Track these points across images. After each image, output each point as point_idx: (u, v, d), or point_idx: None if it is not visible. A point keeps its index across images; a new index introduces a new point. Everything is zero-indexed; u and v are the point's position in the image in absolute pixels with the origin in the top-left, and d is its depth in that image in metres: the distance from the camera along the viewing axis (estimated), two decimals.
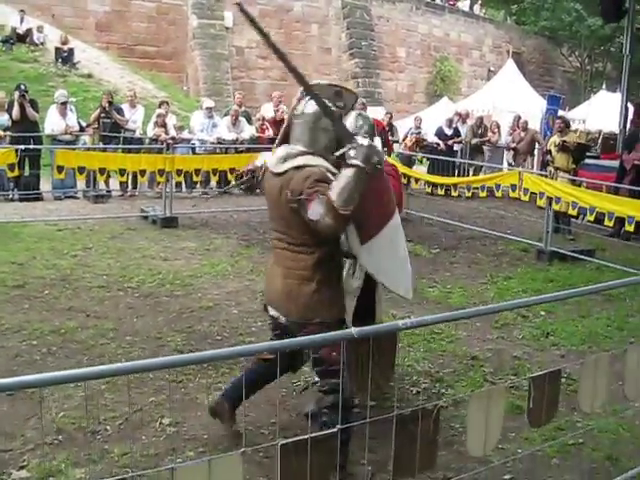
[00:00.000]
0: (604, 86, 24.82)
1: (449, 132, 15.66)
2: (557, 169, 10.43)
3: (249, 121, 13.73)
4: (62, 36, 19.21)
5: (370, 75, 27.53)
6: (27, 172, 11.31)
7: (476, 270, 8.25)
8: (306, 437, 2.32)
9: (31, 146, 10.93)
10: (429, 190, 12.98)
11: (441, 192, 12.63)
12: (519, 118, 15.97)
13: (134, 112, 12.87)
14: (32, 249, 7.97)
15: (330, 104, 3.30)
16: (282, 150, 3.49)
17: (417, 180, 12.71)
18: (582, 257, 8.86)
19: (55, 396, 4.25)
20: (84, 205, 11.22)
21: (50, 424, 3.96)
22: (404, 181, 10.89)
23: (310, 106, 3.39)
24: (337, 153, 3.23)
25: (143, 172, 10.79)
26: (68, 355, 5.04)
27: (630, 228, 8.55)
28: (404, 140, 15.53)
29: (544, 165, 12.61)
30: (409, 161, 14.50)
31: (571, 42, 33.25)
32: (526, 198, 10.10)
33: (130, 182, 11.88)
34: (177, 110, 16.93)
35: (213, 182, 12.10)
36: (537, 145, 15.39)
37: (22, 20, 19.26)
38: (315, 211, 3.13)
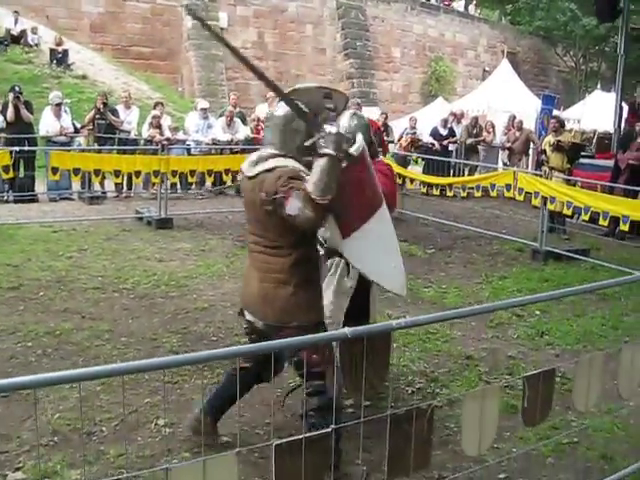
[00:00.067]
0: (599, 86, 24.87)
1: (444, 132, 15.68)
2: (552, 169, 10.44)
3: (244, 122, 13.73)
4: (56, 37, 19.18)
5: (365, 75, 27.55)
6: (22, 174, 11.28)
7: (471, 270, 8.27)
8: (300, 437, 2.32)
9: (26, 148, 10.92)
10: (424, 190, 13.01)
11: (436, 192, 12.64)
12: (514, 118, 15.98)
13: (129, 113, 12.86)
14: (27, 251, 7.96)
15: (302, 105, 3.26)
16: (255, 154, 3.52)
17: (412, 180, 12.73)
18: (577, 256, 8.88)
19: (50, 398, 4.24)
20: (79, 206, 11.20)
21: (45, 425, 3.96)
22: (399, 181, 10.92)
23: (279, 109, 3.41)
24: (307, 143, 3.24)
25: (138, 173, 10.78)
26: (63, 357, 5.04)
27: (625, 227, 8.57)
28: (399, 140, 15.55)
29: (539, 165, 12.63)
30: (404, 161, 14.51)
31: (566, 42, 33.31)
32: (521, 198, 10.14)
33: (125, 183, 11.89)
34: (172, 111, 16.93)
35: (208, 183, 12.11)
36: (532, 145, 15.40)
37: (16, 21, 19.22)
38: (293, 206, 3.13)
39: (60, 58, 18.84)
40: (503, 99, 20.10)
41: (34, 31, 19.41)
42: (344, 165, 3.22)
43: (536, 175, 10.50)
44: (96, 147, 11.91)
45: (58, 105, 11.86)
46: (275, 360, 3.06)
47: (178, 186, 12.06)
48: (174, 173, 10.85)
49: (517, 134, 15.30)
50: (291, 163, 3.32)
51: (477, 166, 14.82)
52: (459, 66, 31.74)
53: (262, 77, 3.14)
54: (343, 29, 27.43)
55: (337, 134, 3.16)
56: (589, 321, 6.37)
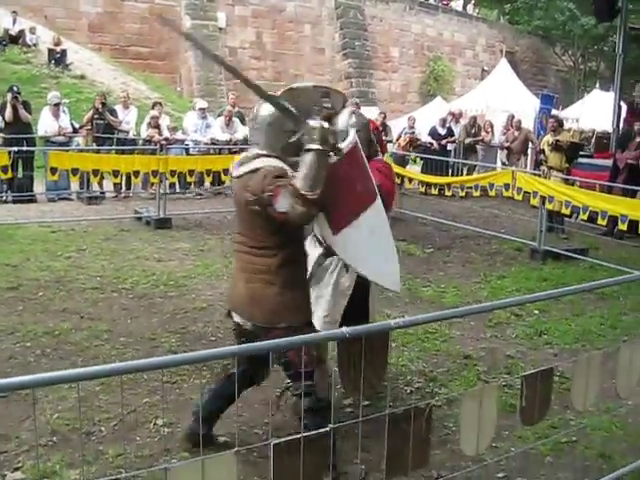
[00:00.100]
0: (597, 85, 24.85)
1: (443, 132, 15.67)
2: (550, 168, 10.44)
3: (243, 122, 13.69)
4: (55, 37, 19.17)
5: (363, 75, 27.56)
6: (20, 174, 11.28)
7: (470, 269, 8.27)
8: (299, 437, 2.32)
9: (24, 148, 10.90)
10: (423, 190, 13.00)
11: (435, 192, 12.62)
12: (512, 117, 15.99)
13: (127, 113, 12.85)
14: (26, 251, 7.96)
15: (286, 103, 3.25)
16: (242, 155, 3.52)
17: (411, 180, 12.73)
18: (575, 256, 8.89)
19: (49, 398, 4.24)
20: (78, 207, 11.20)
21: (44, 425, 3.96)
22: (398, 181, 10.91)
23: (263, 109, 3.38)
24: (292, 139, 3.22)
25: (137, 173, 10.78)
26: (62, 357, 5.04)
27: (623, 227, 8.56)
28: (398, 140, 15.53)
29: (537, 164, 12.64)
30: (403, 161, 14.52)
31: (564, 41, 33.32)
32: (519, 197, 10.13)
33: (124, 183, 11.87)
34: (170, 111, 16.91)
35: (207, 183, 12.11)
36: (530, 144, 15.39)
37: (14, 21, 19.20)
38: (283, 203, 3.10)
39: (58, 58, 18.83)
40: (502, 99, 20.09)
41: (32, 31, 19.40)
42: (333, 160, 3.20)
43: (535, 174, 10.49)
44: (95, 147, 11.90)
45: (56, 105, 11.86)
46: (262, 362, 3.02)
47: (177, 186, 12.05)
48: (173, 173, 10.83)
49: (516, 134, 15.30)
50: (276, 163, 3.30)
51: (476, 165, 14.82)
52: (457, 66, 31.76)
53: (244, 80, 3.14)
54: (341, 29, 27.44)
55: (321, 128, 3.13)
56: (588, 320, 6.38)
